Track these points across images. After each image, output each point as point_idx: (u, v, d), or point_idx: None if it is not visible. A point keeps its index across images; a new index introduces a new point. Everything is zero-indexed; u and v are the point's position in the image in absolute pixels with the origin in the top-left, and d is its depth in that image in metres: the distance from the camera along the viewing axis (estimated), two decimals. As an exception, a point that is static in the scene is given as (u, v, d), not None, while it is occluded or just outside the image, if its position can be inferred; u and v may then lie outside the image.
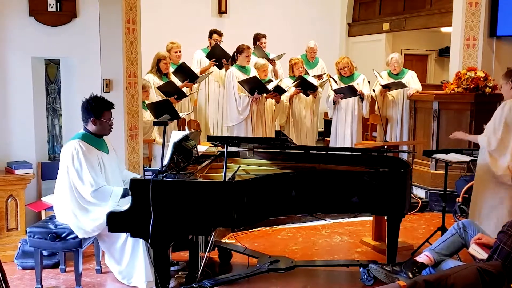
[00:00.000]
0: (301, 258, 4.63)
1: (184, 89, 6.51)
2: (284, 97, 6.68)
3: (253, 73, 6.46)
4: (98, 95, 3.92)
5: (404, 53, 9.94)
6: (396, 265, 3.69)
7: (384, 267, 3.74)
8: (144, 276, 3.85)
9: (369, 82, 6.97)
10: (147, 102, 5.69)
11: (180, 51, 6.78)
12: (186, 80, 6.54)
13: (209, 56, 7.01)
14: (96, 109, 3.82)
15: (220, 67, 7.05)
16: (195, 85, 6.91)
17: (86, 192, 3.71)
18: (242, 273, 4.05)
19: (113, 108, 3.94)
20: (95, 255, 4.28)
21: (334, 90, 6.63)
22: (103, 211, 3.70)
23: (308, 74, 7.22)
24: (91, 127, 3.87)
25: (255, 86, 6.17)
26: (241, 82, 6.22)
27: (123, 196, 3.75)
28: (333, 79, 6.82)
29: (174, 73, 6.48)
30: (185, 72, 6.56)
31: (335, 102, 6.77)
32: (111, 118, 3.92)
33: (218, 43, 7.16)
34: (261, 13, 9.40)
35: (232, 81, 6.36)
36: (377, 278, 3.87)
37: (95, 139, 3.90)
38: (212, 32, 7.33)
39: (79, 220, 3.77)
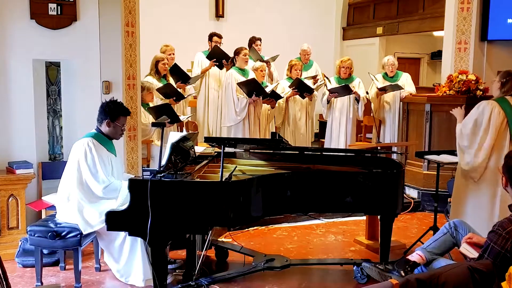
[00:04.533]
0: (296, 256, 4.68)
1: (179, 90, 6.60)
2: (279, 100, 6.75)
3: (252, 76, 6.52)
4: (118, 100, 4.03)
5: (397, 57, 9.96)
6: (389, 264, 3.74)
7: (377, 265, 3.80)
8: (142, 274, 3.92)
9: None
10: (150, 104, 5.76)
11: (173, 54, 6.84)
12: (179, 81, 6.63)
13: (209, 57, 7.11)
14: (113, 112, 3.93)
15: (220, 67, 7.14)
16: (188, 87, 6.98)
17: (98, 188, 3.80)
18: (238, 271, 4.10)
19: (129, 115, 4.05)
20: (94, 253, 4.33)
21: (329, 90, 6.71)
22: (112, 204, 3.79)
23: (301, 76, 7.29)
24: (105, 128, 3.97)
25: (253, 89, 6.25)
26: (240, 84, 6.29)
27: None
28: (328, 79, 6.90)
29: (169, 71, 6.56)
30: (178, 73, 6.64)
31: (328, 101, 6.85)
32: (124, 125, 4.03)
33: (218, 44, 7.25)
34: (258, 16, 9.47)
35: (231, 82, 6.43)
36: (370, 276, 3.93)
37: (106, 140, 4.00)
38: (212, 35, 7.43)
39: (84, 214, 3.82)
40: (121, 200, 3.81)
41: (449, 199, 5.44)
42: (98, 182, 3.80)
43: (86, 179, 3.83)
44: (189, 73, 7.00)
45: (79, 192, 3.85)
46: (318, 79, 7.39)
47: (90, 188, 3.84)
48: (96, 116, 4.00)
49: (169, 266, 4.09)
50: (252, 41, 7.62)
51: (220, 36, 7.40)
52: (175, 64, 6.70)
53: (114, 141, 4.15)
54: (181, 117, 6.02)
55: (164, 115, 5.52)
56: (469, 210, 4.40)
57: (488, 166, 4.27)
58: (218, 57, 7.02)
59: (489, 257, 2.76)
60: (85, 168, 3.82)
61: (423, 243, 3.78)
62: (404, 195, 6.05)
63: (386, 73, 6.98)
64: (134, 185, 3.45)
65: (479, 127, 4.26)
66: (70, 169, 3.90)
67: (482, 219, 4.18)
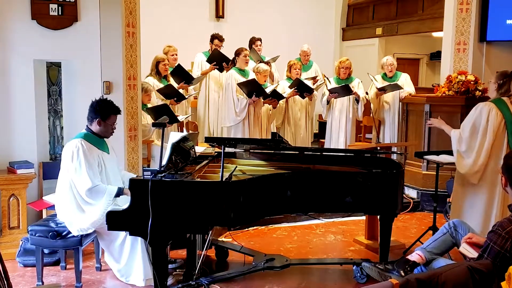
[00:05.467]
0: (296, 256, 4.70)
1: (180, 91, 6.60)
2: (281, 100, 6.77)
3: (252, 76, 6.53)
4: (108, 99, 4.01)
5: (396, 57, 9.98)
6: (388, 264, 3.74)
7: (377, 265, 3.80)
8: (142, 274, 3.93)
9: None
10: (149, 105, 5.77)
11: (176, 54, 6.87)
12: (182, 82, 6.64)
13: (209, 60, 7.11)
14: (104, 111, 3.91)
15: (221, 70, 7.15)
16: (191, 87, 7.01)
17: (82, 189, 3.77)
18: (238, 271, 4.11)
19: (120, 113, 4.03)
20: (95, 253, 4.34)
21: (329, 90, 6.73)
22: (97, 209, 3.77)
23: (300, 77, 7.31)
24: (95, 127, 3.95)
25: (253, 89, 6.27)
26: (240, 85, 6.31)
27: (117, 195, 3.80)
28: (328, 79, 6.93)
29: (171, 74, 6.58)
30: (181, 74, 6.65)
31: (328, 102, 6.88)
32: (115, 123, 4.01)
33: (218, 48, 7.26)
34: (258, 17, 9.48)
35: (231, 83, 6.45)
36: (370, 276, 3.94)
37: (97, 139, 3.98)
38: (213, 37, 7.43)
39: (76, 218, 3.83)
40: (105, 205, 3.77)
41: (448, 199, 5.46)
42: (82, 183, 3.77)
43: (72, 180, 3.82)
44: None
45: (70, 195, 3.85)
46: (317, 80, 7.42)
47: (77, 190, 3.82)
48: (87, 115, 3.98)
49: (170, 266, 4.10)
50: (252, 41, 7.64)
51: (221, 39, 7.38)
52: (179, 64, 6.71)
53: (112, 140, 4.16)
54: (180, 117, 6.03)
55: (164, 116, 5.53)
56: (468, 211, 4.41)
57: (486, 167, 4.28)
58: (218, 60, 7.03)
59: (489, 257, 2.76)
60: (71, 170, 3.81)
61: (422, 243, 3.79)
62: (404, 195, 6.07)
63: (385, 74, 7.00)
64: (135, 185, 3.46)
65: (478, 129, 4.24)
66: (62, 171, 3.91)
67: (480, 220, 4.18)
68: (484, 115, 4.22)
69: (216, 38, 7.40)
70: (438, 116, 4.73)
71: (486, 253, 2.80)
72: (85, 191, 3.76)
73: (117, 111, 3.98)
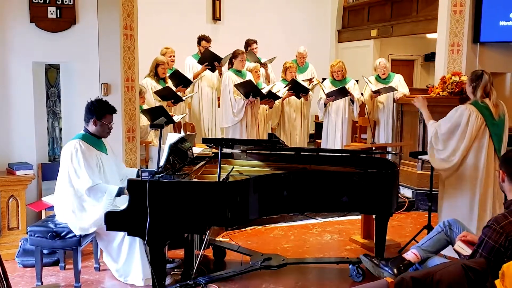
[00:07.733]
0: (293, 255, 4.73)
1: (178, 93, 6.64)
2: (277, 100, 6.83)
3: (249, 77, 6.57)
4: (103, 99, 4.04)
5: (391, 59, 10.12)
6: (384, 260, 3.76)
7: (373, 259, 3.77)
8: (141, 274, 3.95)
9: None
10: (144, 107, 5.80)
11: (174, 56, 6.90)
12: (180, 86, 6.68)
13: (201, 61, 7.14)
14: (99, 111, 3.94)
15: (213, 70, 7.18)
16: (188, 89, 7.04)
17: (82, 189, 3.80)
18: (235, 270, 4.13)
19: (115, 112, 4.05)
20: (94, 253, 4.37)
21: (326, 94, 6.78)
22: (98, 209, 3.80)
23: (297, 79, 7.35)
24: (91, 127, 3.98)
25: (250, 90, 6.31)
26: (237, 86, 6.35)
27: (118, 194, 3.82)
28: (323, 87, 6.96)
29: (168, 78, 6.61)
30: (178, 77, 6.69)
31: (325, 105, 6.93)
32: (111, 123, 4.03)
33: (208, 48, 7.29)
34: (254, 19, 9.52)
35: (228, 84, 6.48)
36: (366, 274, 3.99)
37: (95, 139, 4.00)
38: (200, 39, 7.41)
39: (77, 218, 3.85)
40: (106, 204, 3.80)
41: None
42: (82, 182, 3.80)
43: (72, 181, 3.85)
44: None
45: (70, 195, 3.88)
46: (313, 81, 7.46)
47: (79, 190, 3.86)
48: (83, 116, 4.01)
49: (168, 266, 4.13)
50: (248, 44, 7.68)
51: (208, 40, 7.38)
52: (176, 70, 6.74)
53: (111, 141, 4.18)
54: (175, 117, 6.06)
55: (161, 117, 5.56)
56: (450, 206, 4.45)
57: (467, 165, 4.31)
58: (209, 60, 7.07)
59: (484, 252, 2.78)
60: (71, 170, 3.84)
61: (417, 242, 3.82)
62: (399, 194, 6.10)
63: (378, 75, 7.06)
64: (133, 186, 3.48)
65: (455, 131, 4.27)
66: (61, 172, 3.93)
67: (461, 217, 4.21)
68: (464, 118, 4.22)
69: (203, 39, 7.38)
70: (421, 97, 4.73)
71: (480, 248, 2.81)
72: (86, 190, 3.79)
73: (112, 110, 4.00)
